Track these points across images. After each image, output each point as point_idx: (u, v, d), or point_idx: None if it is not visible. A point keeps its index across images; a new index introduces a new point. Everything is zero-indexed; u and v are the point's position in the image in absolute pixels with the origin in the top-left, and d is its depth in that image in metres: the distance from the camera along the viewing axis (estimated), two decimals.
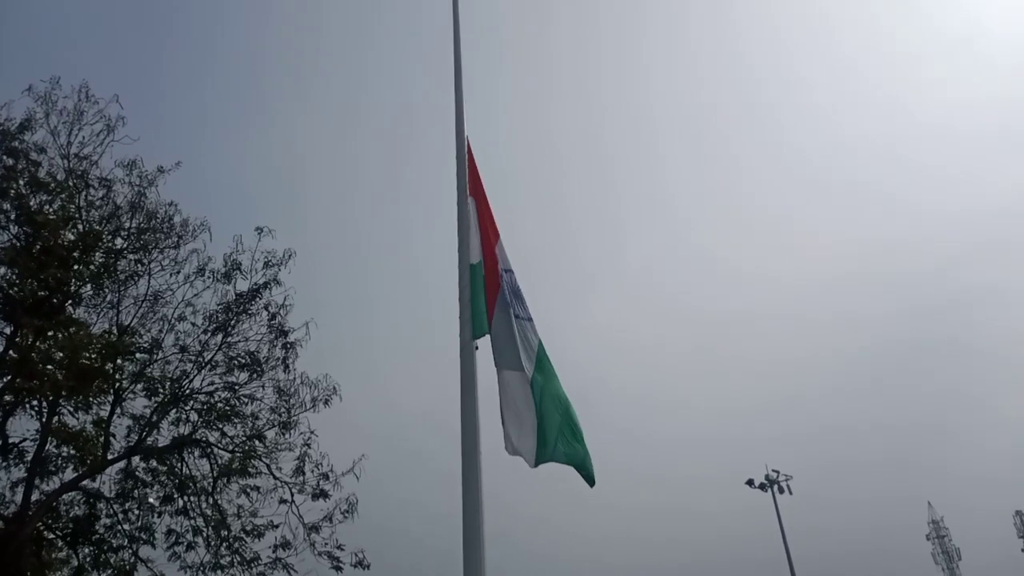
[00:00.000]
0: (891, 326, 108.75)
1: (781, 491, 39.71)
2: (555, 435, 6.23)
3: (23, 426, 14.84)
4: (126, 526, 15.42)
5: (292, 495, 15.14)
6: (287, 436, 15.30)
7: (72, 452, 15.02)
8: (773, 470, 40.34)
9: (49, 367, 13.66)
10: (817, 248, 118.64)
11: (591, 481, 6.26)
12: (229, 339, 15.28)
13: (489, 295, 6.48)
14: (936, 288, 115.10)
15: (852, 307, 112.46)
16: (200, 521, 15.19)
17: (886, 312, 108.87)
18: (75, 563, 15.54)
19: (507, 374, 6.41)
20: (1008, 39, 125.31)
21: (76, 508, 15.66)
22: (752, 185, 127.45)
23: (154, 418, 15.03)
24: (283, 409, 15.30)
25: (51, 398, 14.37)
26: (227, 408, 15.22)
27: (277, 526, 15.09)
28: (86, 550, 15.50)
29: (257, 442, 15.27)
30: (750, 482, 40.63)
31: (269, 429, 15.33)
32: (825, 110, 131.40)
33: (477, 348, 6.28)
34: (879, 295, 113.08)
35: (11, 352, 13.87)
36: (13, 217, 14.29)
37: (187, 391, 15.13)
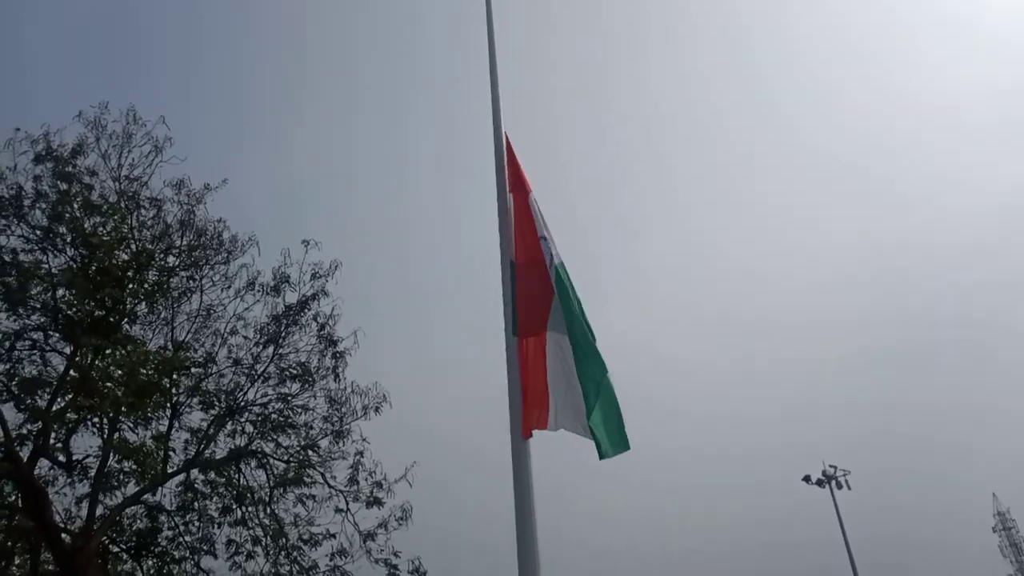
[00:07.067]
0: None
1: (839, 487, 38.98)
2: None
3: (86, 443, 15.23)
4: (187, 538, 15.72)
5: (347, 503, 15.33)
6: (340, 445, 15.49)
7: (133, 467, 15.34)
8: (831, 465, 39.56)
9: (108, 384, 13.94)
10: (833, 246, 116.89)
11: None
12: (280, 351, 15.49)
13: (520, 295, 6.19)
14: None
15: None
16: (259, 531, 15.43)
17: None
18: (139, 575, 15.91)
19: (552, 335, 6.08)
20: None
21: (139, 521, 16.04)
22: (765, 181, 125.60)
23: (211, 431, 15.31)
24: (335, 418, 15.48)
25: (111, 415, 14.69)
26: (281, 419, 15.44)
27: (334, 535, 15.29)
28: (149, 562, 15.88)
29: (311, 452, 15.47)
30: (807, 478, 39.85)
31: (322, 438, 15.52)
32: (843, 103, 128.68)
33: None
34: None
35: (72, 371, 14.20)
36: (69, 240, 14.61)
37: (242, 403, 15.38)
